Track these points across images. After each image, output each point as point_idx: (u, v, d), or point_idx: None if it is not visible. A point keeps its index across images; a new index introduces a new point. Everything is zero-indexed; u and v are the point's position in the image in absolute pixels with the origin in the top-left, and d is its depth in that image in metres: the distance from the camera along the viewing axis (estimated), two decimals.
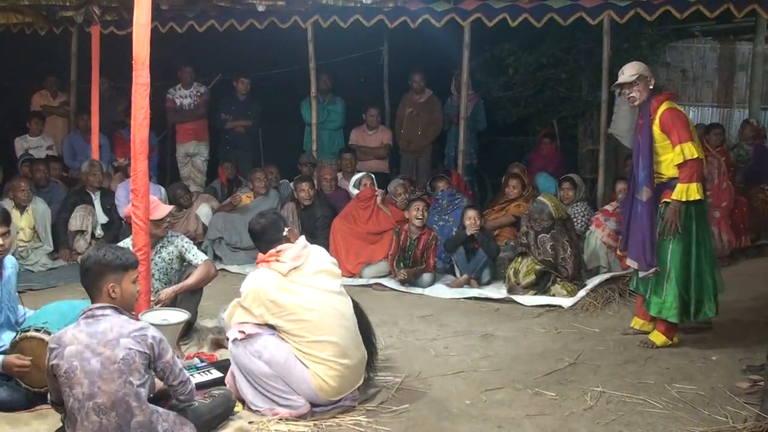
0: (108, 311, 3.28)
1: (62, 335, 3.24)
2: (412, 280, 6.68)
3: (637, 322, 5.36)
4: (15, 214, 7.16)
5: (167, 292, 4.85)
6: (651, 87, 5.05)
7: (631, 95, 5.08)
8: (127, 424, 3.12)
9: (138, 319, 3.48)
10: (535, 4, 7.33)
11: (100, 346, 3.16)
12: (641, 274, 5.11)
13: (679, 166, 4.88)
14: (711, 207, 7.30)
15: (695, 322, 5.22)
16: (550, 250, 6.28)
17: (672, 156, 4.92)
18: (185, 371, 3.48)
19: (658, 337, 5.06)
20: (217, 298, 5.63)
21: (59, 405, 3.33)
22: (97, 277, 3.32)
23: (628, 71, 5.06)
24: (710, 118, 10.89)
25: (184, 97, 9.13)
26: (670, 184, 4.99)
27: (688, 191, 4.86)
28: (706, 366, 4.68)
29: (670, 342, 5.06)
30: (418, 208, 6.84)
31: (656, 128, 4.96)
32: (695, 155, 4.84)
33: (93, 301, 3.33)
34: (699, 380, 4.43)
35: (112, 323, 3.23)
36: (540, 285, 6.32)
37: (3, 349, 3.92)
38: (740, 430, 3.73)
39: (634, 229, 5.12)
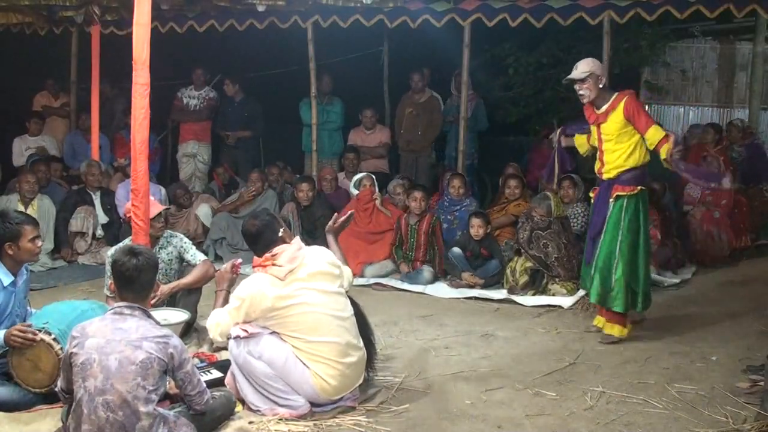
0: (137, 312, 3.31)
1: (86, 326, 3.25)
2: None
3: (599, 321, 5.39)
4: (20, 208, 7.17)
5: (165, 288, 4.86)
6: (601, 86, 5.05)
7: (580, 92, 5.10)
8: (132, 426, 3.11)
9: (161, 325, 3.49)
10: (535, 4, 7.31)
11: (122, 344, 3.16)
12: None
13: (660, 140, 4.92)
14: (711, 207, 7.31)
15: (638, 314, 5.31)
16: (543, 248, 6.28)
17: (626, 146, 4.99)
18: (203, 381, 3.49)
19: (614, 329, 5.13)
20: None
21: (66, 393, 3.32)
22: (153, 276, 3.42)
23: (581, 67, 5.07)
24: (710, 118, 10.85)
25: (192, 97, 9.17)
26: (620, 178, 5.05)
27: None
28: (706, 366, 4.69)
29: (626, 330, 5.11)
30: (416, 198, 6.98)
31: (618, 116, 4.97)
32: (663, 133, 4.98)
33: (134, 301, 3.34)
34: (699, 380, 4.44)
35: (138, 324, 3.25)
36: (536, 284, 6.34)
37: (3, 350, 3.88)
38: (740, 430, 3.73)
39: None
